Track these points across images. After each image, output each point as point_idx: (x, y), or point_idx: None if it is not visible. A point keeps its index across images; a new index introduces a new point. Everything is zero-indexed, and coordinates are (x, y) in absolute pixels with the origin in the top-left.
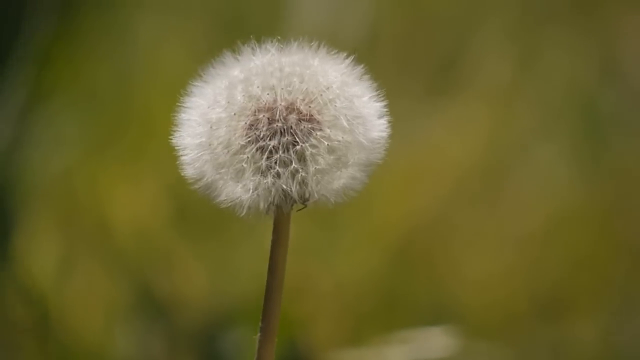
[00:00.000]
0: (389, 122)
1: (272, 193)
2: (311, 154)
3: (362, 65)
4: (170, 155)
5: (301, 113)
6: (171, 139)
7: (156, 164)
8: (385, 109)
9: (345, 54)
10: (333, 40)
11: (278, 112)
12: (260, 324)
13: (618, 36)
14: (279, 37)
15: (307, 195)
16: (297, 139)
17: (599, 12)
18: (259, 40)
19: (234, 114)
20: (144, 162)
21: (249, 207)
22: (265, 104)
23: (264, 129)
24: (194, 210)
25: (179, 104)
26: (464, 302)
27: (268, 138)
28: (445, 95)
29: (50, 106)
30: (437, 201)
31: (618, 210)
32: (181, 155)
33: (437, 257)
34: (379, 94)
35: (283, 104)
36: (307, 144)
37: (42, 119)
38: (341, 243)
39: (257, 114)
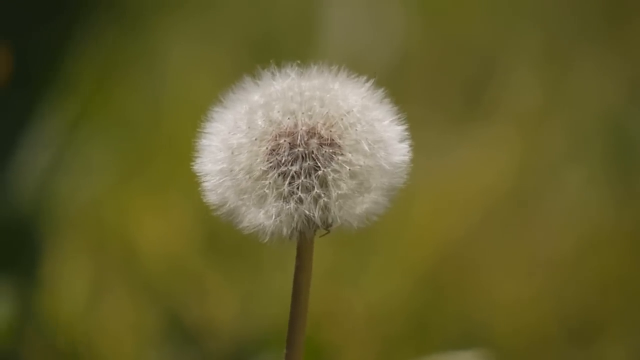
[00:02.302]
0: (419, 147)
1: (295, 219)
2: (333, 179)
3: (383, 89)
4: (198, 182)
5: (322, 137)
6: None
7: (185, 190)
8: (408, 132)
9: (365, 78)
10: (363, 65)
11: (299, 137)
12: (285, 351)
13: None
14: (308, 63)
15: (330, 220)
16: (319, 164)
17: (628, 36)
18: (285, 65)
19: (255, 139)
20: (173, 188)
21: (272, 233)
22: (286, 128)
23: (286, 154)
24: (224, 235)
25: (199, 129)
26: (494, 326)
27: (290, 163)
28: (475, 120)
29: (80, 134)
30: (468, 225)
31: None
32: (203, 182)
33: (467, 282)
34: (400, 118)
35: (304, 128)
36: (329, 169)
37: (72, 147)
38: (371, 267)
39: (278, 139)
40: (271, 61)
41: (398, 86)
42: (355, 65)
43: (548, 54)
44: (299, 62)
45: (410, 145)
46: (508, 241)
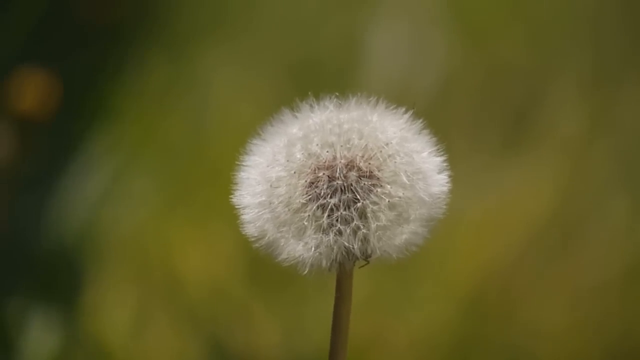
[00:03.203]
0: (464, 175)
1: (335, 250)
2: (372, 210)
3: (421, 120)
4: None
5: (361, 170)
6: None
7: (228, 219)
8: (446, 164)
9: (404, 109)
10: (406, 94)
11: (338, 170)
12: None
13: None
14: (351, 92)
15: (369, 251)
16: (358, 196)
17: None
18: (329, 94)
19: (294, 172)
20: (215, 217)
21: (312, 265)
22: (325, 161)
23: (325, 187)
24: (266, 264)
25: (238, 161)
26: (538, 355)
27: (329, 196)
28: (519, 147)
29: (125, 162)
30: (511, 253)
31: None
32: (242, 214)
33: (511, 310)
34: (439, 149)
35: (343, 161)
36: (367, 201)
37: (115, 176)
38: (415, 296)
39: (317, 171)
40: (310, 93)
41: (441, 114)
42: (398, 92)
43: (595, 80)
44: (337, 94)
45: (450, 176)
46: (552, 269)
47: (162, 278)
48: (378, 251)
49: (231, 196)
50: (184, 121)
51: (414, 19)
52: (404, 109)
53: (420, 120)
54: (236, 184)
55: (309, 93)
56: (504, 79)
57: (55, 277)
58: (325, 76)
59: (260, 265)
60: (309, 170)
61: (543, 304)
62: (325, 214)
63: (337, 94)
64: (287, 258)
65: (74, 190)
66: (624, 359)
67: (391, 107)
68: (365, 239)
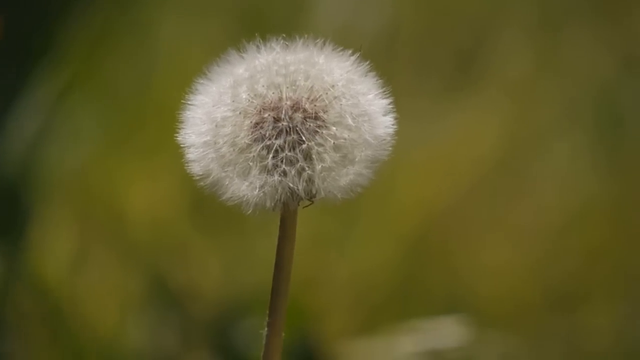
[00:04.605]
0: (410, 115)
1: (279, 191)
2: (317, 152)
3: (368, 62)
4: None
5: (306, 111)
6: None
7: (172, 158)
8: (392, 106)
9: (351, 51)
10: (353, 35)
11: (283, 111)
12: (267, 319)
13: (638, 31)
14: (298, 33)
15: (314, 192)
16: (303, 138)
17: (620, 7)
18: (274, 37)
19: (239, 112)
20: (160, 156)
21: (256, 205)
22: (271, 102)
23: (270, 127)
24: (209, 202)
25: (184, 100)
26: (478, 292)
27: (274, 137)
28: (464, 90)
29: (69, 101)
30: (454, 193)
31: (635, 203)
32: (187, 153)
33: (452, 248)
34: (385, 91)
35: (288, 102)
36: (313, 143)
37: (61, 114)
38: (356, 233)
39: (262, 112)
40: (256, 34)
41: (388, 56)
42: (346, 36)
43: (540, 23)
44: (284, 35)
45: (397, 117)
46: (494, 209)
47: (104, 214)
48: (322, 192)
49: (176, 134)
50: (130, 60)
51: None
52: (350, 52)
53: (367, 63)
54: (181, 122)
55: (256, 34)
56: (449, 22)
57: None
58: (273, 19)
59: (203, 203)
60: (255, 111)
61: (484, 244)
62: (270, 155)
63: (284, 35)
64: (231, 197)
65: (17, 127)
66: (564, 296)
67: (338, 50)
68: (309, 180)
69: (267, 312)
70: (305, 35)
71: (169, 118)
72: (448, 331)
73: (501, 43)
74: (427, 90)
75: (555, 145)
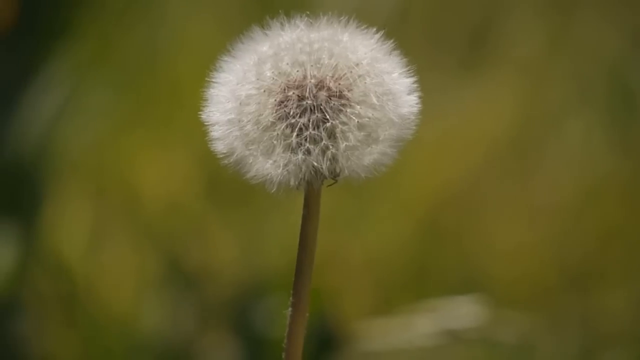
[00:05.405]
0: (421, 95)
1: (303, 170)
2: (341, 130)
3: (391, 40)
4: (201, 127)
5: (331, 90)
6: (200, 113)
7: (187, 136)
8: (416, 84)
9: (374, 29)
10: (363, 14)
11: (308, 90)
12: (291, 299)
13: None
14: (309, 12)
15: (337, 171)
16: (327, 116)
17: None
18: (288, 15)
19: (264, 90)
20: (174, 134)
21: (280, 183)
22: (295, 80)
23: (294, 106)
24: (225, 181)
25: (208, 78)
26: (493, 273)
27: (298, 115)
28: (476, 68)
29: (84, 79)
30: (468, 173)
31: None
32: (211, 131)
33: (467, 229)
34: (409, 69)
35: (312, 81)
36: (337, 121)
37: (76, 92)
38: (372, 215)
39: (286, 91)
40: (280, 11)
41: (399, 36)
42: (358, 13)
43: (551, 4)
44: (308, 12)
45: (420, 95)
46: (509, 189)
47: (120, 193)
48: (346, 171)
49: (189, 111)
50: (144, 38)
51: None
52: (374, 29)
53: (390, 41)
54: (195, 98)
55: (280, 11)
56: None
57: (13, 193)
58: None
59: (218, 182)
60: (279, 89)
61: (500, 224)
62: (295, 133)
63: (308, 12)
64: (255, 176)
65: (32, 106)
66: (580, 276)
67: (362, 27)
68: (333, 159)
69: (292, 292)
70: (320, 14)
71: (182, 95)
72: (464, 311)
73: (513, 21)
74: (440, 68)
75: (569, 124)
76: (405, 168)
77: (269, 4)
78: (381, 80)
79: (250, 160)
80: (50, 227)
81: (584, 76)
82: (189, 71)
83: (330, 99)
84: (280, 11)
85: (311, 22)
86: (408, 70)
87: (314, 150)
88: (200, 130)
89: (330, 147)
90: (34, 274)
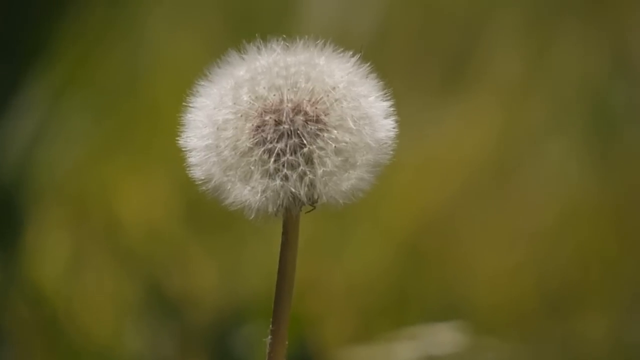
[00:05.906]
0: (399, 119)
1: (281, 196)
2: (318, 156)
3: (369, 63)
4: (180, 152)
5: (307, 114)
6: (179, 138)
7: (166, 161)
8: (393, 108)
9: (351, 52)
10: (344, 36)
11: (285, 114)
12: (270, 326)
13: (630, 30)
14: (289, 34)
15: (315, 197)
16: (305, 141)
17: (611, 6)
18: (267, 38)
19: (241, 115)
20: (154, 159)
21: (258, 210)
22: (272, 104)
23: (271, 131)
24: (205, 207)
25: (185, 103)
26: (474, 299)
27: (275, 140)
28: (456, 91)
29: (62, 103)
30: (449, 197)
31: (629, 206)
32: (189, 157)
33: (447, 254)
34: (386, 93)
35: (289, 105)
36: (314, 146)
37: (55, 117)
38: (352, 238)
39: (263, 115)
40: (257, 35)
41: (379, 58)
42: (336, 37)
43: (530, 26)
44: (284, 36)
45: (396, 121)
46: (489, 213)
47: (100, 218)
48: (324, 197)
49: (169, 136)
50: (123, 62)
51: None
52: (351, 53)
53: (367, 64)
54: (175, 121)
55: (256, 35)
56: (441, 22)
57: None
58: (262, 21)
59: (198, 208)
60: (256, 114)
61: (479, 248)
62: (272, 159)
63: (284, 36)
64: (233, 202)
65: (10, 130)
66: (560, 302)
67: (338, 51)
68: (311, 185)
69: (271, 319)
70: (300, 36)
71: (161, 119)
72: (444, 338)
73: (492, 45)
74: (419, 91)
75: (547, 148)
76: (385, 193)
77: (248, 26)
78: (358, 104)
79: (229, 187)
80: (30, 253)
81: (565, 99)
82: (168, 94)
83: (307, 123)
84: (256, 35)
85: (288, 46)
86: (385, 94)
87: (292, 176)
88: (180, 155)
89: (308, 172)
90: (13, 300)
